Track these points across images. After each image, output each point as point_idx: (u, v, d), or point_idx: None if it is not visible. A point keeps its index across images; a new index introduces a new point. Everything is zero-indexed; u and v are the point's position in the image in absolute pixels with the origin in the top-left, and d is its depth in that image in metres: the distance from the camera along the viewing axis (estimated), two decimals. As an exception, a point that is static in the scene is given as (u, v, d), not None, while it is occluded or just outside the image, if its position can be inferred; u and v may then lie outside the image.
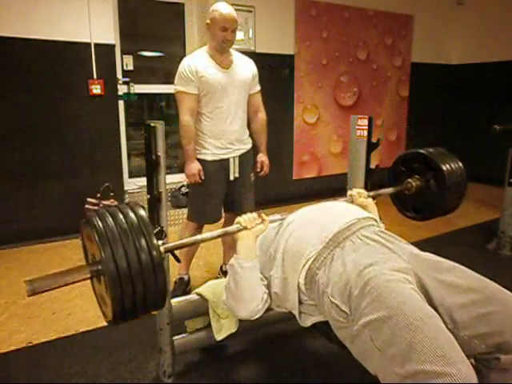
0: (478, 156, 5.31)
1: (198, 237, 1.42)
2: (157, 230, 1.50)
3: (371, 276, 1.13)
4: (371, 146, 2.09)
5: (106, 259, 1.04)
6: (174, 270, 2.35)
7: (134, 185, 3.89)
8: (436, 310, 1.14)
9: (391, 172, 2.02)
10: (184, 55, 4.10)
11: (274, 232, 1.51)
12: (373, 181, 2.06)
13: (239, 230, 1.45)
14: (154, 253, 1.09)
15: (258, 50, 4.10)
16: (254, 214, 1.50)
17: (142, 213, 1.16)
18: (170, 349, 1.67)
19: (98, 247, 1.05)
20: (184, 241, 1.38)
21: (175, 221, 3.81)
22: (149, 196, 1.54)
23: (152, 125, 1.48)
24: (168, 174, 3.70)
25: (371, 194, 1.82)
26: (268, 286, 1.47)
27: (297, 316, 1.40)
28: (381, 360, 1.05)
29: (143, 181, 1.60)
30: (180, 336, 1.72)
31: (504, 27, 5.14)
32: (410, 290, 1.11)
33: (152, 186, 1.52)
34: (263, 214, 1.53)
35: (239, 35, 4.01)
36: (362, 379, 1.67)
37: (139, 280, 1.06)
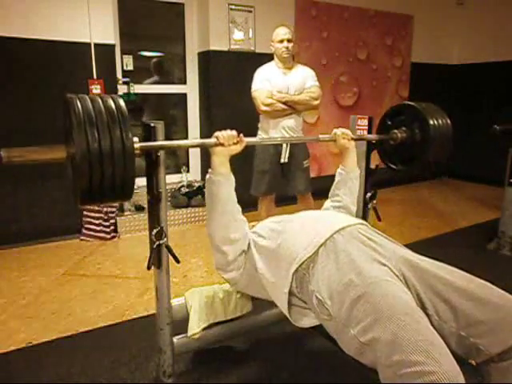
0: (478, 156, 5.31)
1: (175, 142, 1.59)
2: (157, 229, 1.51)
3: (360, 293, 1.14)
4: (371, 146, 2.09)
5: (79, 141, 1.10)
6: (174, 270, 2.34)
7: (134, 185, 3.88)
8: (422, 304, 1.18)
9: (381, 122, 2.03)
10: (184, 55, 4.11)
11: (271, 235, 1.52)
12: (373, 181, 2.06)
13: (216, 145, 1.49)
14: (128, 144, 1.17)
15: (257, 50, 4.10)
16: (234, 132, 1.51)
17: (122, 103, 1.21)
18: (170, 349, 1.66)
19: (74, 129, 1.11)
20: (161, 143, 1.46)
21: (175, 221, 3.81)
22: (149, 196, 1.54)
23: (152, 125, 1.47)
24: (168, 174, 3.70)
25: (355, 136, 1.86)
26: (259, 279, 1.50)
27: (287, 314, 1.41)
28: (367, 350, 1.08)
29: (143, 181, 1.60)
30: (180, 336, 1.72)
31: (504, 27, 5.14)
32: (396, 287, 1.15)
33: (152, 186, 1.51)
34: (242, 135, 1.54)
35: (239, 35, 4.01)
36: (361, 379, 1.67)
37: (108, 164, 1.13)
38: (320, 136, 1.85)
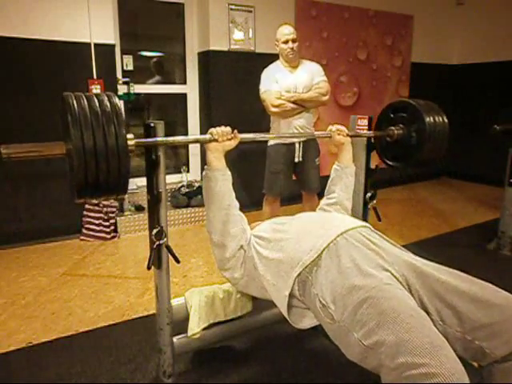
0: (478, 156, 5.31)
1: (170, 138, 1.50)
2: (157, 229, 1.51)
3: (364, 297, 1.14)
4: (371, 146, 2.08)
5: (74, 138, 1.13)
6: (174, 270, 2.35)
7: (134, 185, 3.89)
8: (426, 309, 1.17)
9: (379, 118, 2.03)
10: (184, 55, 4.11)
11: (273, 236, 1.52)
12: (373, 181, 2.06)
13: (210, 141, 1.50)
14: (121, 140, 1.18)
15: (257, 50, 4.10)
16: (228, 128, 1.53)
17: (117, 101, 1.23)
18: (170, 349, 1.66)
19: (69, 126, 1.13)
20: (155, 139, 1.46)
21: (175, 221, 3.81)
22: (149, 196, 1.54)
23: (152, 125, 1.47)
24: (168, 173, 3.70)
25: (350, 133, 1.87)
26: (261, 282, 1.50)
27: (287, 317, 1.41)
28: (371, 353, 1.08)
29: (143, 181, 1.60)
30: (180, 336, 1.72)
31: (504, 27, 5.14)
32: (400, 291, 1.14)
33: (152, 186, 1.51)
34: (236, 131, 1.55)
35: (239, 35, 4.01)
36: (361, 379, 1.67)
37: (103, 160, 1.15)
38: (316, 133, 1.86)
